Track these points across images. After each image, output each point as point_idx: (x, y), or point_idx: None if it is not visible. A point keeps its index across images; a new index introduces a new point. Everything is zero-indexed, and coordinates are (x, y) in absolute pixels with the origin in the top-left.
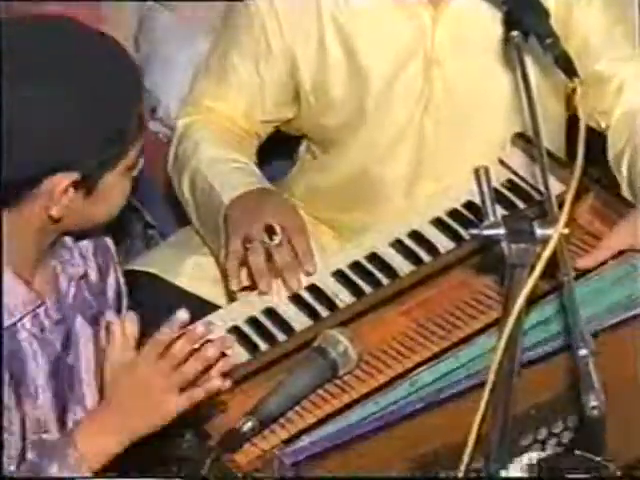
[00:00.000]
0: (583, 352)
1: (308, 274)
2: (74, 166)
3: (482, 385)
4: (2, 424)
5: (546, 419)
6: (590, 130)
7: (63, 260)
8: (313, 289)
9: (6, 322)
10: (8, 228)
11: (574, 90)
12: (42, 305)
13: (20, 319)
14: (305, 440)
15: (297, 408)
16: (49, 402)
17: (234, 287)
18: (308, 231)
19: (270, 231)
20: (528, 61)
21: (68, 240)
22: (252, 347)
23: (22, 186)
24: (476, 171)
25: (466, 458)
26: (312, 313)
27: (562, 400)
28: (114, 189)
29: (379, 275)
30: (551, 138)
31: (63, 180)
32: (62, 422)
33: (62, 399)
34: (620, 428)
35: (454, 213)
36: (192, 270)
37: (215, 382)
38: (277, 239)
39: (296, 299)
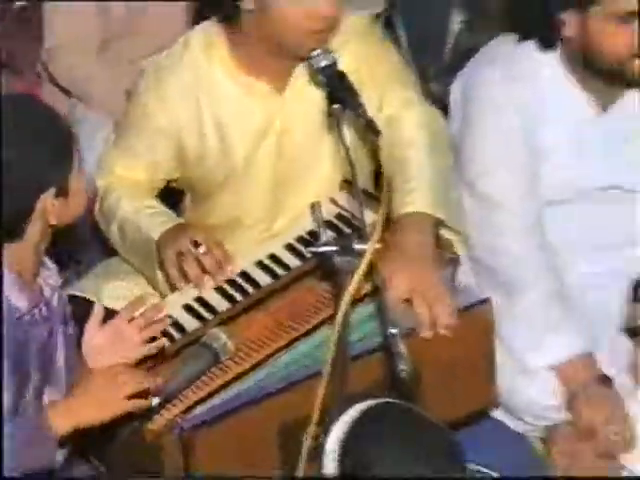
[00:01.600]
0: (393, 331)
1: (232, 272)
2: (48, 185)
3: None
4: (2, 426)
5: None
6: None
7: (44, 276)
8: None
9: (16, 315)
10: (15, 253)
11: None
12: (39, 304)
13: (28, 313)
14: (198, 409)
15: (191, 387)
16: (37, 383)
17: (179, 287)
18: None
19: (195, 244)
20: (346, 127)
21: (47, 261)
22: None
23: (23, 217)
24: (311, 206)
25: (312, 427)
26: (230, 299)
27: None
28: (78, 184)
29: (248, 287)
30: (364, 180)
31: (47, 197)
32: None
33: (43, 381)
34: (442, 395)
35: (300, 239)
36: (110, 291)
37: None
38: (202, 248)
39: (219, 290)
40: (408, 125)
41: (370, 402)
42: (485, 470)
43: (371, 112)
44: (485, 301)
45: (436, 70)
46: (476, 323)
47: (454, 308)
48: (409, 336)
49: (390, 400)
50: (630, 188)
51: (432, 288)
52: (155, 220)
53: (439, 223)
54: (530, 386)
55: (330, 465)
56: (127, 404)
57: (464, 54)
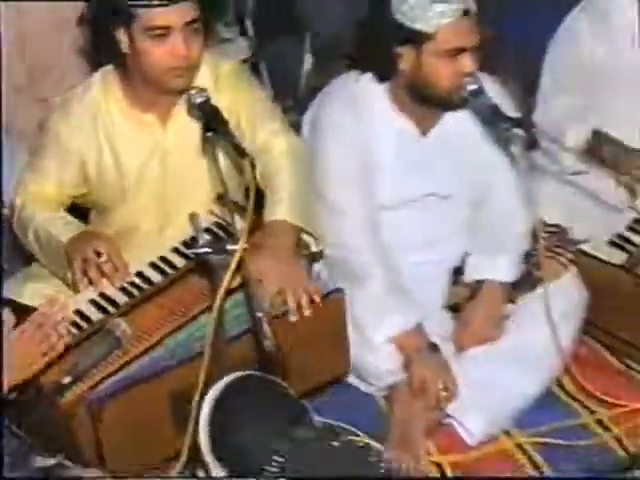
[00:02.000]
0: (259, 314)
1: (127, 277)
2: None
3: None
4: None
5: None
6: None
7: None
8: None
9: None
10: None
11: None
12: None
13: None
14: (104, 385)
15: (98, 367)
16: None
17: (82, 288)
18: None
19: (98, 254)
20: (222, 151)
21: None
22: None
23: None
24: (190, 217)
25: (196, 397)
26: (129, 294)
27: None
28: None
29: (143, 284)
30: (237, 194)
31: None
32: None
33: None
34: (307, 365)
35: (184, 243)
36: (30, 292)
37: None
38: (103, 258)
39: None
40: (277, 151)
41: (234, 375)
42: (343, 425)
43: (246, 141)
44: (338, 290)
45: (292, 104)
46: (332, 308)
47: (314, 296)
48: (279, 319)
49: (251, 373)
50: (445, 195)
51: (297, 280)
52: (64, 228)
53: (300, 228)
54: (374, 355)
55: (203, 428)
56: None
57: (314, 90)
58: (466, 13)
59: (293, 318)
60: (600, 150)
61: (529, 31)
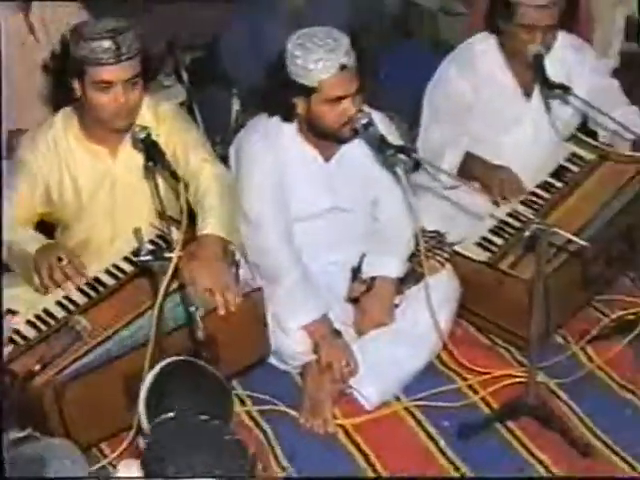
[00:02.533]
0: (192, 308)
1: (86, 277)
2: None
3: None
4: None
5: None
6: None
7: None
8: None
9: None
10: None
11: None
12: None
13: None
14: (67, 371)
15: (62, 356)
16: None
17: (51, 291)
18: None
19: (60, 260)
20: (162, 177)
21: None
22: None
23: None
24: (134, 231)
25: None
26: (87, 295)
27: None
28: None
29: (99, 287)
30: (175, 211)
31: None
32: None
33: None
34: (234, 351)
35: (132, 252)
36: (7, 295)
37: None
38: (65, 262)
39: (80, 290)
40: (205, 175)
41: (168, 360)
42: (266, 397)
43: (180, 167)
44: (258, 289)
45: (221, 139)
46: (253, 304)
47: (238, 294)
48: (210, 314)
49: (183, 358)
50: (345, 208)
51: (223, 281)
52: (32, 242)
53: (226, 240)
54: (289, 340)
55: (141, 402)
56: None
57: (240, 127)
58: (343, 68)
59: (221, 312)
60: (471, 168)
61: (413, 77)
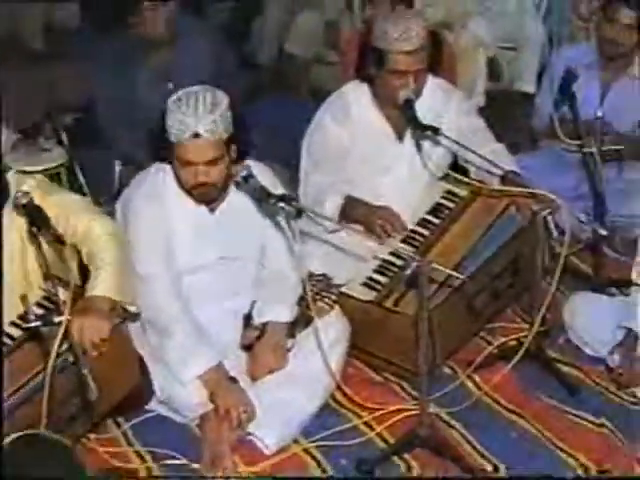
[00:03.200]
0: (84, 370)
1: None
2: None
3: None
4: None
5: None
6: None
7: None
8: None
9: None
10: None
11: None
12: None
13: None
14: None
15: None
16: None
17: None
18: None
19: None
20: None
21: None
22: None
23: None
24: (21, 297)
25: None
26: None
27: None
28: None
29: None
30: (66, 272)
31: None
32: None
33: None
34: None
35: (20, 317)
36: None
37: None
38: None
39: None
40: (95, 235)
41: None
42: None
43: (69, 233)
44: (122, 320)
45: (107, 198)
46: (119, 334)
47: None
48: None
49: (29, 432)
50: (233, 257)
51: (98, 334)
52: None
53: (115, 300)
54: (185, 391)
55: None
56: None
57: (124, 185)
58: (197, 135)
59: (94, 354)
60: (353, 211)
61: (291, 126)
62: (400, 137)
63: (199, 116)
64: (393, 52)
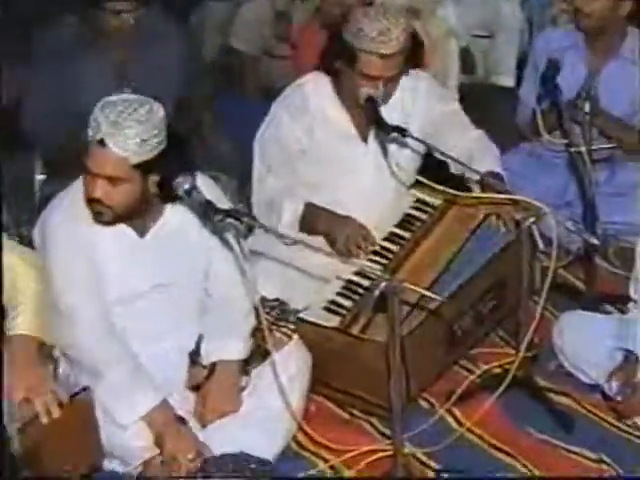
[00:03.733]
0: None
1: None
2: None
3: None
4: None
5: None
6: None
7: None
8: None
9: None
10: None
11: None
12: None
13: None
14: None
15: None
16: None
17: None
18: None
19: None
20: None
21: None
22: None
23: None
24: None
25: None
26: None
27: None
28: None
29: None
30: None
31: None
32: None
33: None
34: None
35: None
36: None
37: None
38: None
39: None
40: (10, 265)
41: None
42: None
43: None
44: (84, 389)
45: (27, 217)
46: (81, 405)
47: (60, 398)
48: (33, 422)
49: None
50: (171, 285)
51: (41, 387)
52: None
53: (39, 338)
54: (125, 436)
55: None
56: None
57: (45, 198)
58: (102, 143)
59: (44, 420)
60: (313, 221)
61: (238, 129)
62: (364, 138)
63: (114, 124)
64: (366, 53)
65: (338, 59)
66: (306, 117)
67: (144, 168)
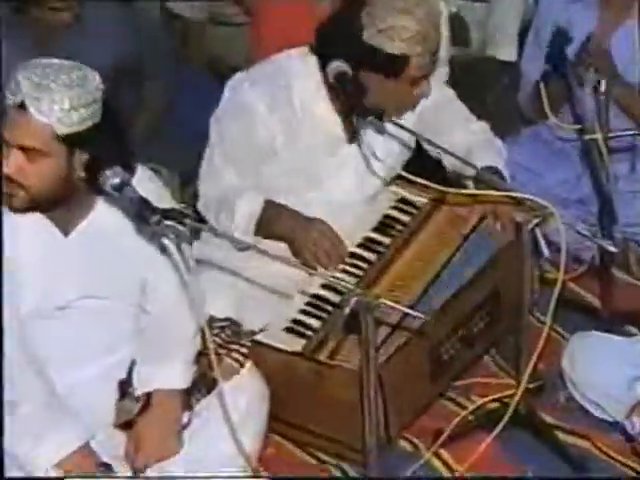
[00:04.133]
0: None
1: None
2: None
3: None
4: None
5: None
6: None
7: None
8: None
9: None
10: None
11: None
12: None
13: None
14: None
15: None
16: None
17: None
18: None
19: None
20: None
21: None
22: None
23: None
24: None
25: None
26: None
27: None
28: None
29: None
30: None
31: None
32: None
33: None
34: None
35: None
36: None
37: None
38: None
39: None
40: None
41: None
42: None
43: None
44: None
45: None
46: None
47: None
48: None
49: None
50: (100, 298)
51: None
52: None
53: None
54: None
55: None
56: None
57: None
58: (22, 107)
59: None
60: (273, 223)
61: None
62: (352, 137)
63: (38, 85)
64: (418, 56)
65: (366, 68)
66: (288, 110)
67: (71, 142)
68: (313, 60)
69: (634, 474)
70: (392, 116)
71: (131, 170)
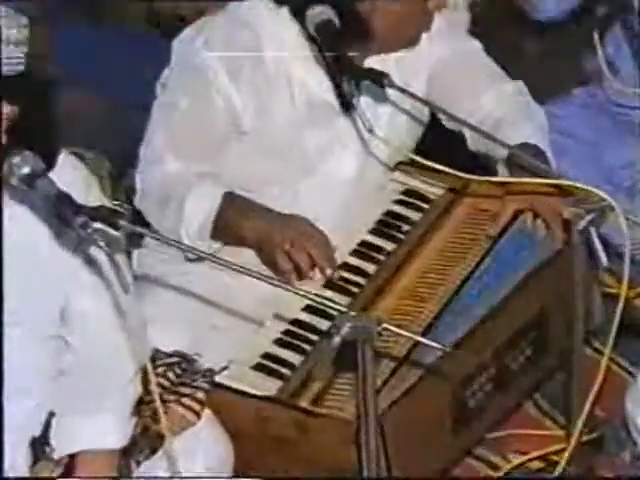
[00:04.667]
0: None
1: None
2: None
3: None
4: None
5: None
6: None
7: None
8: None
9: None
10: None
11: None
12: None
13: None
14: None
15: None
16: None
17: None
18: None
19: None
20: None
21: None
22: None
23: None
24: None
25: None
26: None
27: None
28: None
29: None
30: None
31: None
32: None
33: None
34: None
35: None
36: None
37: None
38: None
39: None
40: None
41: None
42: None
43: None
44: None
45: None
46: None
47: None
48: None
49: None
50: (10, 323)
51: None
52: None
53: None
54: None
55: None
56: None
57: None
58: None
59: None
60: (238, 223)
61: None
62: (347, 106)
63: None
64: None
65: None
66: (255, 76)
67: None
68: (284, 10)
69: None
70: (403, 47)
71: (51, 156)
